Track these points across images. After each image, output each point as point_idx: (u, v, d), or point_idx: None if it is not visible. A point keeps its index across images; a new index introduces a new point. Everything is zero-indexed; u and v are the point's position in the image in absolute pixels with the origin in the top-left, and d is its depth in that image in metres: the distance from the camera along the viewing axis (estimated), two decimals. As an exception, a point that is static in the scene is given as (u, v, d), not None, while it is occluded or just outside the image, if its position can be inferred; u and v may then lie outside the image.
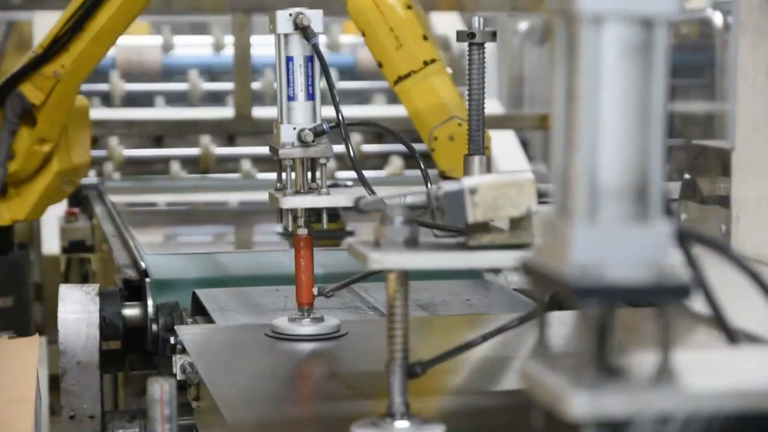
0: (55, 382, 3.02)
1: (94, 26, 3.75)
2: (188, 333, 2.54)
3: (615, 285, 1.15)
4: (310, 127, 2.49)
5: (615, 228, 1.18)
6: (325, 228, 2.54)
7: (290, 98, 2.52)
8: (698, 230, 1.27)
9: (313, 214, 2.52)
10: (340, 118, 2.49)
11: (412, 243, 1.77)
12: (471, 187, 1.77)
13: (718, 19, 6.64)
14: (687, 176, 2.77)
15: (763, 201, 2.56)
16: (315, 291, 2.54)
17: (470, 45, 2.52)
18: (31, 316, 4.44)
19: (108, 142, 6.14)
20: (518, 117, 6.96)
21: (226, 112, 6.11)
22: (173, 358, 2.42)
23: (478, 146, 2.54)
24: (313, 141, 2.49)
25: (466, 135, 2.39)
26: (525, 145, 6.90)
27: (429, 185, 2.50)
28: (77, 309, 2.76)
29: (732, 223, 2.62)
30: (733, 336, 1.33)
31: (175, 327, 2.63)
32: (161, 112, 6.45)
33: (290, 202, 2.49)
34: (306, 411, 2.16)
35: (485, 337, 1.85)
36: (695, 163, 2.74)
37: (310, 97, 2.52)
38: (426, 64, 3.42)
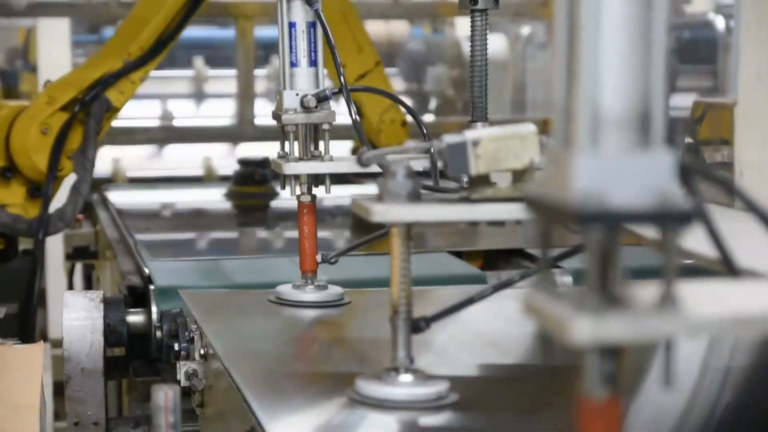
0: (59, 389, 3.00)
1: (181, 33, 3.95)
2: (193, 296, 2.54)
3: (617, 210, 1.15)
4: (313, 93, 2.50)
5: (617, 156, 1.18)
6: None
7: (293, 64, 2.52)
8: (701, 163, 1.27)
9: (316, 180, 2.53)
10: (342, 81, 2.49)
11: (414, 197, 1.77)
12: (473, 139, 1.78)
13: (720, 23, 6.64)
14: (689, 140, 2.77)
15: (766, 155, 2.56)
16: (318, 258, 2.55)
17: (472, 12, 2.52)
18: (35, 322, 4.42)
19: (113, 164, 6.11)
20: (519, 121, 6.93)
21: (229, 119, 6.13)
22: (177, 365, 2.41)
23: (480, 114, 2.54)
24: (316, 107, 2.49)
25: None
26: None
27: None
28: (81, 315, 2.75)
29: (735, 178, 2.61)
30: (734, 268, 1.33)
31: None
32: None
33: (293, 168, 2.49)
34: (311, 368, 2.17)
35: (495, 288, 1.85)
36: (697, 128, 2.74)
37: (313, 63, 2.53)
38: (377, 64, 4.50)
